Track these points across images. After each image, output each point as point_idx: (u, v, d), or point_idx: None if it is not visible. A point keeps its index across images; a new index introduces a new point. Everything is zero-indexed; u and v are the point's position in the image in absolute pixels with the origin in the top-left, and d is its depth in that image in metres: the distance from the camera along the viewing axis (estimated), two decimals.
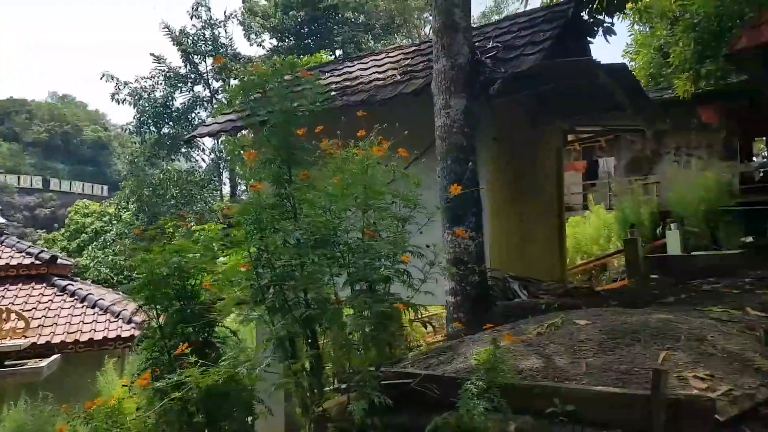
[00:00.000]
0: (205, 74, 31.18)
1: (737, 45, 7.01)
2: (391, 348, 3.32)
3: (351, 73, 7.87)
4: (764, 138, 15.34)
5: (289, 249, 2.99)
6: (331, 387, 3.66)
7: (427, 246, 3.26)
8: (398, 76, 6.31)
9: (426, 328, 9.52)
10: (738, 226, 10.96)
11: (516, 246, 7.79)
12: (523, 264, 7.85)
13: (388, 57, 8.01)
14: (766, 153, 16.37)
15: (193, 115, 31.08)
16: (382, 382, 3.34)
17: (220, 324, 4.35)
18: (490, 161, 6.61)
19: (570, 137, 10.25)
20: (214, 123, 8.84)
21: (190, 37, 30.54)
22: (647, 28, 12.62)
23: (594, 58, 5.91)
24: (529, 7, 8.90)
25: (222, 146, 27.94)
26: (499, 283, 6.75)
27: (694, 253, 8.94)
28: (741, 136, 12.42)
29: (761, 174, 11.63)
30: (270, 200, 3.16)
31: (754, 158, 14.43)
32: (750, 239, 8.19)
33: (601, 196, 13.26)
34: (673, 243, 9.76)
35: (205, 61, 30.92)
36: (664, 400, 2.53)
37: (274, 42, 31.41)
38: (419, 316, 9.33)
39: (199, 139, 18.52)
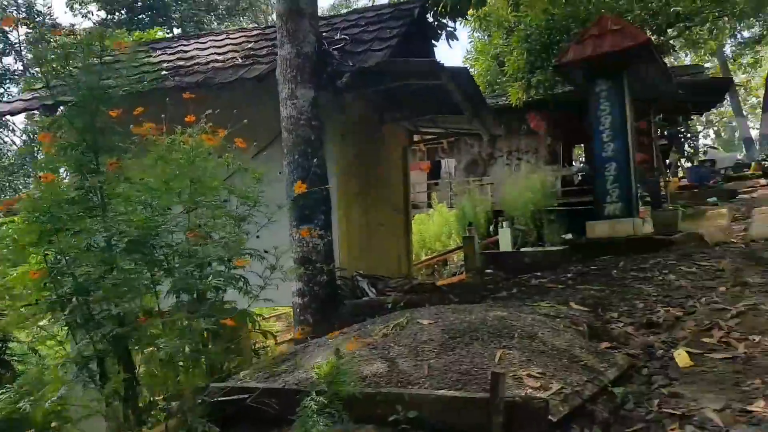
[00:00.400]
0: (16, 44, 27.09)
1: (564, 58, 7.68)
2: (222, 363, 2.95)
3: (186, 52, 7.16)
4: (582, 145, 17.25)
5: (95, 253, 2.48)
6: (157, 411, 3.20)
7: (267, 252, 2.94)
8: (240, 60, 5.86)
9: (266, 338, 9.03)
10: (560, 225, 12.17)
11: (364, 243, 7.76)
12: (372, 261, 7.84)
13: (230, 39, 7.43)
14: (583, 159, 18.42)
15: (2, 90, 26.91)
16: (218, 399, 2.99)
17: (15, 340, 3.63)
18: (339, 157, 6.46)
19: (416, 137, 10.55)
20: (17, 100, 7.55)
21: None
22: (486, 37, 13.43)
23: (438, 60, 6.03)
24: (377, 2, 8.90)
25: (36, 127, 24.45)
26: (347, 282, 6.64)
27: (522, 249, 9.64)
28: (564, 142, 13.79)
29: (579, 178, 12.98)
30: (70, 193, 2.60)
31: (574, 163, 16.15)
32: (570, 237, 9.06)
33: (444, 195, 13.93)
34: (505, 240, 10.47)
35: (17, 30, 26.77)
36: (501, 403, 2.52)
37: (103, 14, 28.27)
38: (256, 327, 8.85)
39: (8, 118, 15.95)
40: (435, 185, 14.52)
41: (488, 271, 8.81)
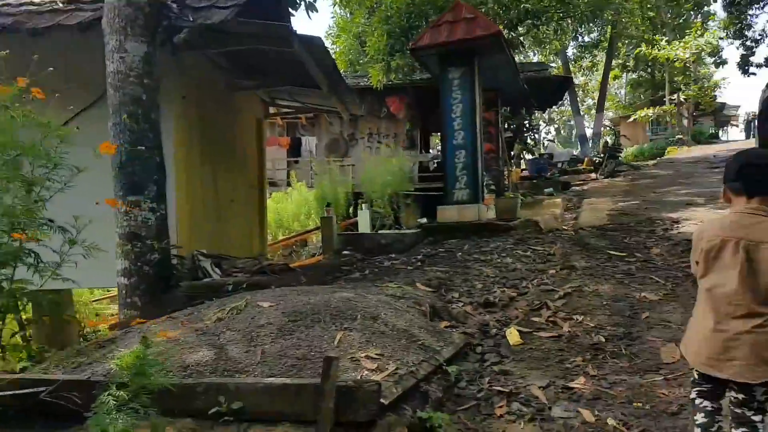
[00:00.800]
0: None
1: (420, 42, 7.74)
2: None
3: None
4: (439, 133, 17.88)
5: None
6: None
7: (62, 226, 2.46)
8: (60, 4, 5.02)
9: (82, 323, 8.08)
10: (416, 209, 12.49)
11: (211, 220, 7.21)
12: (220, 240, 7.33)
13: None
14: (440, 146, 19.12)
15: None
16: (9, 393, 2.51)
17: None
18: (178, 122, 5.86)
19: (272, 110, 10.08)
20: None
21: None
22: (348, 14, 13.19)
23: (290, 25, 5.68)
24: None
25: None
26: (186, 262, 6.10)
27: (380, 232, 9.71)
28: (422, 129, 14.14)
29: (435, 165, 13.40)
30: None
31: (431, 150, 16.69)
32: (425, 221, 9.29)
33: (304, 174, 13.61)
34: (364, 222, 10.45)
35: None
36: (332, 389, 2.35)
37: None
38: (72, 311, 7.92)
39: None
40: (295, 163, 14.14)
41: (346, 252, 8.72)
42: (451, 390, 3.07)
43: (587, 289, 4.75)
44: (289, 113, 11.47)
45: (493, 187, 10.18)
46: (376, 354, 2.94)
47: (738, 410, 1.94)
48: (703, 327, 1.99)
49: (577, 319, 4.12)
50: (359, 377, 2.65)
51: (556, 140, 49.68)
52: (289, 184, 14.15)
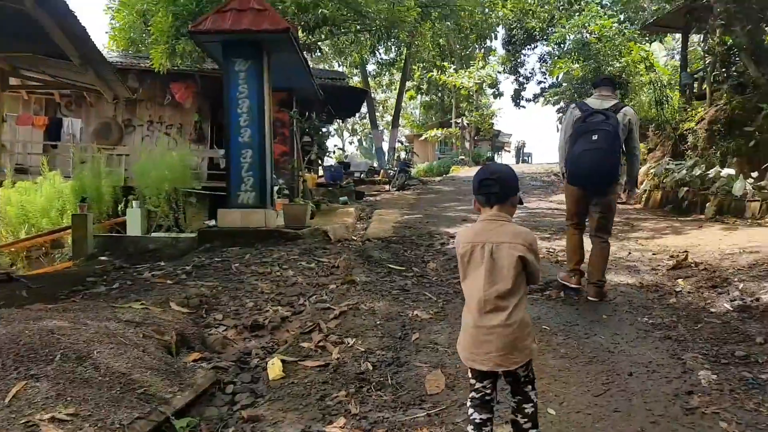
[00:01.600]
0: None
1: (202, 26, 6.86)
2: None
3: None
4: None
5: None
6: None
7: None
8: None
9: None
10: (202, 210, 11.34)
11: None
12: None
13: None
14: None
15: None
16: None
17: None
18: None
19: (15, 81, 8.16)
20: None
21: None
22: None
23: None
24: None
25: None
26: None
27: (152, 235, 8.52)
28: (213, 121, 12.96)
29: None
30: None
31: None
32: (213, 223, 8.35)
33: (64, 162, 11.44)
34: (134, 221, 9.14)
35: None
36: None
37: None
38: None
39: None
40: (53, 148, 11.85)
41: (103, 258, 7.42)
42: None
43: (364, 307, 4.45)
44: (37, 87, 9.50)
45: (286, 191, 9.65)
46: (68, 414, 2.15)
47: (513, 386, 2.20)
48: (467, 326, 2.17)
49: (348, 343, 3.76)
50: None
51: (359, 151, 51.54)
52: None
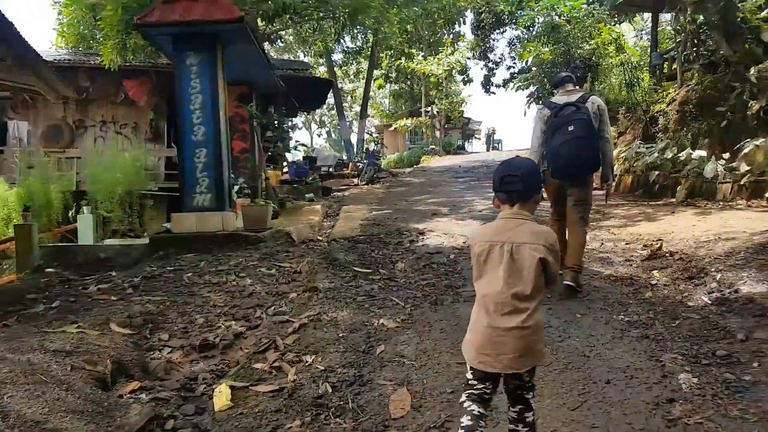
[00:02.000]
0: None
1: (148, 18, 6.40)
2: None
3: None
4: None
5: None
6: None
7: None
8: None
9: None
10: (159, 213, 10.81)
11: None
12: None
13: None
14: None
15: None
16: None
17: None
18: None
19: None
20: None
21: None
22: None
23: None
24: None
25: None
26: None
27: (103, 243, 8.03)
28: (169, 119, 12.39)
29: None
30: None
31: None
32: (169, 227, 7.89)
33: (9, 168, 10.77)
34: (85, 229, 8.63)
35: None
36: None
37: None
38: None
39: None
40: None
41: (50, 270, 6.94)
42: None
43: (326, 318, 4.15)
44: None
45: (248, 191, 9.22)
46: None
47: (514, 393, 2.11)
48: (479, 325, 2.10)
49: (307, 361, 3.45)
50: None
51: (327, 143, 50.83)
52: None
